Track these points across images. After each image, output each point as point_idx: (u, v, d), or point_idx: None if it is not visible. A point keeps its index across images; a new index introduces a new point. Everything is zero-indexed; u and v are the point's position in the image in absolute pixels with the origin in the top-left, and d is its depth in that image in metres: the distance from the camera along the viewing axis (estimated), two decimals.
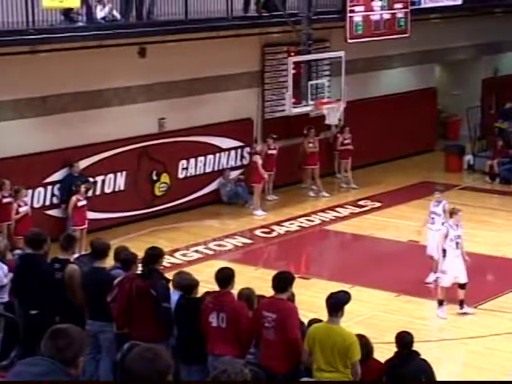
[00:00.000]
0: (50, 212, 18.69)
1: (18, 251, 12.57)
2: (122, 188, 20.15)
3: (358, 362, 8.69)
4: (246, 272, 16.24)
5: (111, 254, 10.76)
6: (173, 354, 9.50)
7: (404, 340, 9.40)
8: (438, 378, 9.62)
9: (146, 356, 4.44)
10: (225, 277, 9.51)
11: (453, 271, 14.96)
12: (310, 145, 22.95)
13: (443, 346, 13.92)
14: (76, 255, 11.99)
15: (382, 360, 9.44)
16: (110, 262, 10.88)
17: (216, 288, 9.70)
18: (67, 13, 17.55)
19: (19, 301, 10.33)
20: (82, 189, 18.02)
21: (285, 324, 8.95)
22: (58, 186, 18.72)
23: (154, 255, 10.10)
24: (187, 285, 9.90)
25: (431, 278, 16.41)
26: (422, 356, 9.38)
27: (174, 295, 9.96)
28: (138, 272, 10.18)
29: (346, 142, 23.86)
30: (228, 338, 9.24)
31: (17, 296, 10.40)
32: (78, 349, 4.59)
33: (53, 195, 18.81)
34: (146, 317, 9.66)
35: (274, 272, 9.74)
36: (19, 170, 17.85)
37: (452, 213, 15.34)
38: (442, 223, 16.29)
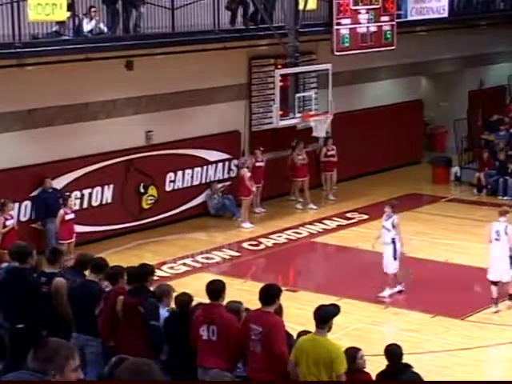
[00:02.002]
0: (37, 225, 18.61)
1: (5, 264, 12.50)
2: (109, 201, 20.11)
3: (343, 375, 8.65)
4: (234, 285, 16.20)
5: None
6: (163, 370, 9.52)
7: (394, 352, 9.37)
8: None
9: (138, 369, 4.41)
10: (216, 289, 9.48)
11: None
12: (300, 157, 22.99)
13: (431, 358, 13.91)
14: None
15: (370, 372, 9.42)
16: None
17: (205, 301, 9.68)
18: (60, 23, 17.55)
19: (5, 314, 10.27)
20: (70, 202, 17.96)
21: (270, 338, 8.92)
22: (32, 203, 18.52)
23: (144, 273, 10.07)
24: (185, 300, 9.87)
25: (386, 292, 16.46)
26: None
27: (163, 311, 9.93)
28: (128, 288, 10.14)
29: (330, 153, 23.91)
30: (218, 350, 9.20)
31: (3, 309, 10.35)
32: (63, 359, 4.56)
33: None
34: (134, 333, 9.61)
35: (261, 285, 9.72)
36: (5, 183, 17.80)
37: (507, 212, 15.97)
38: (392, 238, 16.34)
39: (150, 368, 4.46)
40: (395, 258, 16.42)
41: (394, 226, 16.44)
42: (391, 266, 16.46)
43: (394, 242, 16.42)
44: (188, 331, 9.48)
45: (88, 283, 10.24)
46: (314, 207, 22.87)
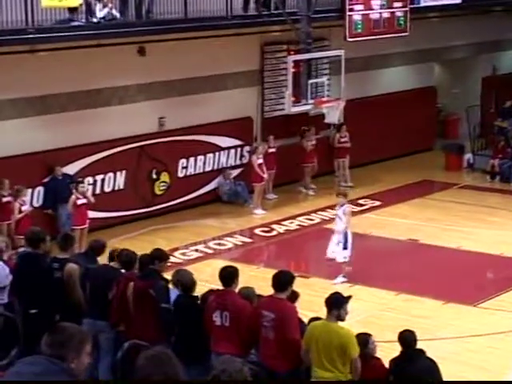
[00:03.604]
0: (50, 211, 18.66)
1: (21, 249, 12.56)
2: (121, 187, 20.15)
3: (357, 358, 8.69)
4: (246, 271, 16.21)
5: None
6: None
7: (407, 338, 9.37)
8: None
9: (158, 359, 4.44)
10: (228, 275, 9.51)
11: None
12: (309, 143, 22.97)
13: (442, 345, 13.92)
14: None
15: (383, 358, 9.44)
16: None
17: (217, 287, 9.71)
18: (72, 11, 17.55)
19: (19, 300, 10.33)
20: (80, 188, 17.92)
21: (283, 324, 8.95)
22: (42, 190, 18.55)
23: (154, 257, 10.10)
24: (186, 283, 9.88)
25: (339, 279, 16.31)
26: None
27: (173, 294, 9.95)
28: (137, 273, 10.18)
29: (343, 140, 23.84)
30: (231, 336, 9.24)
31: (16, 295, 10.40)
32: (74, 346, 4.59)
33: None
34: (146, 317, 9.65)
35: (274, 271, 9.74)
36: (19, 168, 17.83)
37: None
38: (345, 227, 16.22)
39: (169, 357, 4.48)
40: (345, 248, 16.24)
41: (344, 215, 16.30)
42: (340, 255, 16.28)
43: (346, 231, 16.28)
44: (194, 314, 9.50)
45: (106, 269, 10.29)
46: (312, 193, 22.85)
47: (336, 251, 16.38)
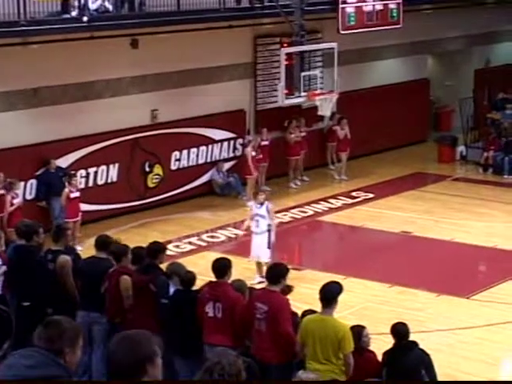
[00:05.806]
0: (44, 203, 18.62)
1: (13, 244, 12.52)
2: (114, 180, 20.12)
3: (350, 353, 8.70)
4: (239, 263, 16.20)
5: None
6: (167, 346, 9.56)
7: (400, 331, 9.39)
8: None
9: (124, 343, 4.35)
10: (221, 267, 9.52)
11: None
12: (292, 135, 22.95)
13: (435, 337, 13.94)
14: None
15: (376, 351, 9.45)
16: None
17: (210, 279, 9.71)
18: (65, 3, 17.49)
19: (12, 292, 10.32)
20: (74, 181, 17.90)
21: (276, 317, 8.96)
22: (35, 183, 18.51)
23: (154, 250, 10.09)
24: (190, 278, 9.87)
25: (257, 279, 15.53)
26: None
27: (171, 288, 9.95)
28: (133, 267, 10.16)
29: (344, 132, 23.71)
30: (224, 328, 9.25)
31: (9, 287, 10.39)
32: (69, 339, 4.57)
33: None
34: (145, 311, 9.64)
35: None
36: (12, 161, 17.80)
37: None
38: (268, 225, 15.81)
39: (142, 338, 4.36)
40: (269, 247, 15.81)
41: (268, 212, 15.84)
42: (265, 255, 15.77)
43: (269, 230, 15.83)
44: (191, 308, 9.50)
45: (97, 260, 10.27)
46: (296, 184, 22.83)
47: (261, 251, 15.84)
